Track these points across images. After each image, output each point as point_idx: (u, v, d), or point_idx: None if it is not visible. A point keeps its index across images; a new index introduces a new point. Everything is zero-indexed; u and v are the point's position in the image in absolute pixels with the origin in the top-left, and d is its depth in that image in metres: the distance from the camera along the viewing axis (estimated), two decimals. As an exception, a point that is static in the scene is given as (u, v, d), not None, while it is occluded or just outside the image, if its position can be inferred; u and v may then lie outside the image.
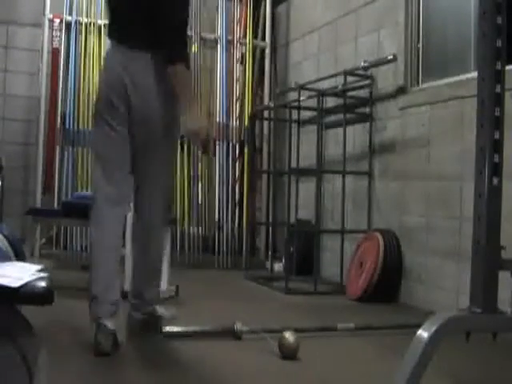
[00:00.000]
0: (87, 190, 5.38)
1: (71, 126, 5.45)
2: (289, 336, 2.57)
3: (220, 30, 5.90)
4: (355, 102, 4.69)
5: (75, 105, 5.47)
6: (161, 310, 2.88)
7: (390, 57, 4.21)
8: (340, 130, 4.67)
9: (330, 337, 2.99)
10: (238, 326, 2.81)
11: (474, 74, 2.15)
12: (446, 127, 3.75)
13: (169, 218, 3.06)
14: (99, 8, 5.58)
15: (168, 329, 2.81)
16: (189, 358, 2.58)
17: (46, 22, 5.41)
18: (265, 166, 5.97)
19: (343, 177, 4.57)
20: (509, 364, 2.65)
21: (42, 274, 1.33)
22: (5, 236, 1.91)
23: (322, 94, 4.83)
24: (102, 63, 5.50)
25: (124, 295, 3.68)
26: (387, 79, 4.36)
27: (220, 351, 2.68)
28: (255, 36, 6.02)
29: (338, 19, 5.06)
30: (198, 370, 2.41)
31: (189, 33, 5.78)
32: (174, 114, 2.71)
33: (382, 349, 2.85)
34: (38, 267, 1.38)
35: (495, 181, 1.81)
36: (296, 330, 2.66)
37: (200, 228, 5.64)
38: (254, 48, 5.98)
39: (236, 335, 2.81)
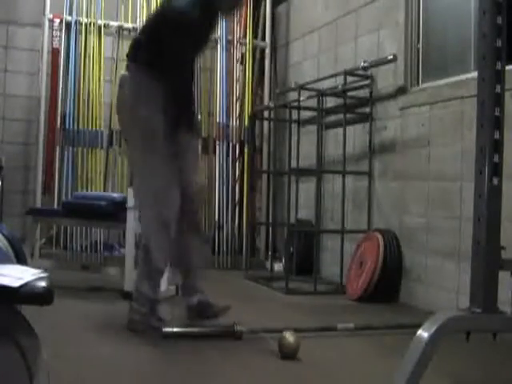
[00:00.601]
0: (87, 190, 5.40)
1: (71, 126, 5.45)
2: (289, 336, 2.57)
3: (220, 30, 5.89)
4: (355, 101, 4.69)
5: (75, 105, 5.47)
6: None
7: (390, 57, 4.21)
8: (340, 130, 4.67)
9: (330, 337, 2.99)
10: (238, 327, 2.81)
11: (474, 74, 2.15)
12: (446, 127, 3.75)
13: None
14: (99, 8, 5.58)
15: (168, 329, 2.81)
16: (188, 358, 2.58)
17: (46, 22, 5.41)
18: (265, 166, 5.96)
19: (343, 177, 4.57)
20: (509, 364, 2.65)
21: (42, 274, 1.33)
22: (5, 236, 1.90)
23: (321, 94, 4.83)
24: (102, 63, 5.56)
25: (124, 295, 3.70)
26: (387, 79, 4.36)
27: (220, 351, 2.68)
28: (255, 36, 6.02)
29: (337, 19, 5.06)
30: (197, 371, 2.41)
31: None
32: (140, 117, 2.87)
33: (382, 349, 2.85)
34: (38, 271, 1.38)
35: (495, 181, 1.81)
36: (296, 330, 2.66)
37: (200, 228, 5.63)
38: (254, 48, 5.98)
39: (236, 335, 2.81)
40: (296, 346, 2.56)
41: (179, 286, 3.15)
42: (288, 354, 2.55)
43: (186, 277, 3.11)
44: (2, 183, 5.09)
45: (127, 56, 3.01)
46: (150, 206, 2.91)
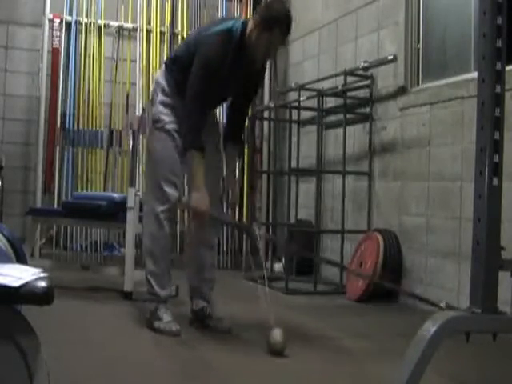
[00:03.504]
0: (87, 190, 5.40)
1: (71, 126, 5.45)
2: (276, 333, 2.57)
3: (220, 30, 5.89)
4: (355, 102, 4.69)
5: (75, 105, 5.48)
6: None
7: (390, 57, 4.21)
8: (340, 131, 4.67)
9: (329, 338, 2.99)
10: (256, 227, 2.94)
11: (474, 74, 2.16)
12: (446, 127, 3.75)
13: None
14: (99, 8, 5.58)
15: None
16: (184, 357, 2.58)
17: (46, 22, 5.41)
18: (265, 166, 5.96)
19: (343, 177, 4.56)
20: (509, 364, 2.65)
21: (42, 274, 1.33)
22: (5, 236, 1.90)
23: (321, 94, 4.83)
24: (102, 63, 5.55)
25: (125, 295, 3.70)
26: (387, 79, 4.36)
27: (215, 350, 2.68)
28: (255, 36, 6.01)
29: (338, 19, 5.06)
30: (192, 369, 2.41)
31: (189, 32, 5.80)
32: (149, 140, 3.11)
33: (381, 349, 2.85)
34: (38, 271, 1.38)
35: (495, 181, 1.81)
36: (294, 329, 2.66)
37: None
38: (254, 48, 5.97)
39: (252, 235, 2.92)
40: (283, 343, 2.56)
41: (190, 287, 3.14)
42: (275, 351, 2.55)
43: (195, 280, 3.12)
44: (2, 183, 5.09)
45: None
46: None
